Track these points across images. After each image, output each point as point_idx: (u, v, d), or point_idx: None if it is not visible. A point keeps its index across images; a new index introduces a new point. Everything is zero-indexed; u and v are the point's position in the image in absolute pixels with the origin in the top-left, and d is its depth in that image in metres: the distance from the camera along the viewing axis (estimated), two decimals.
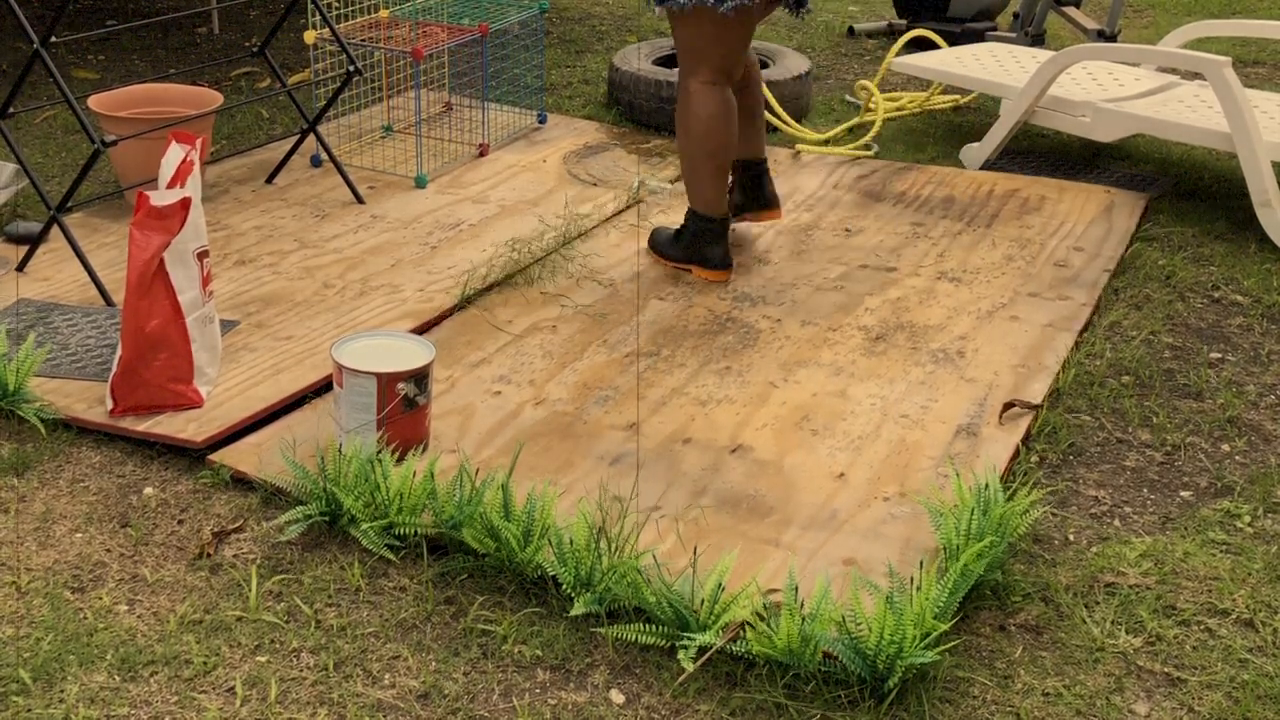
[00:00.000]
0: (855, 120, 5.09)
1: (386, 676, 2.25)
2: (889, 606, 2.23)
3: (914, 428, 2.99)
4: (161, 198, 2.85)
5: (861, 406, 3.08)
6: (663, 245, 3.82)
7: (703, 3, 3.41)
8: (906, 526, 2.64)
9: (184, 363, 2.91)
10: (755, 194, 3.92)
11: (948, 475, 2.79)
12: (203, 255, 2.95)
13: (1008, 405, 3.04)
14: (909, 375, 3.22)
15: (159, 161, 3.03)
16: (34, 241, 3.62)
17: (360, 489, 2.58)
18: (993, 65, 4.92)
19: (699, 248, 3.72)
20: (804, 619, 2.23)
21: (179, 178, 2.93)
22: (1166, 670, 2.32)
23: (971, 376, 3.22)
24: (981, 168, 4.64)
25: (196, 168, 2.97)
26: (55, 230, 3.59)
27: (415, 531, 2.54)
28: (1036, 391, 3.14)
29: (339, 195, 4.22)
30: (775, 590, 2.36)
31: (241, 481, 2.75)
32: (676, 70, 5.04)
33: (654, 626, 2.31)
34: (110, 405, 2.89)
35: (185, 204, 2.86)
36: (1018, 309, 3.57)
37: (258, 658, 2.28)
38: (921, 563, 2.50)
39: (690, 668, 2.23)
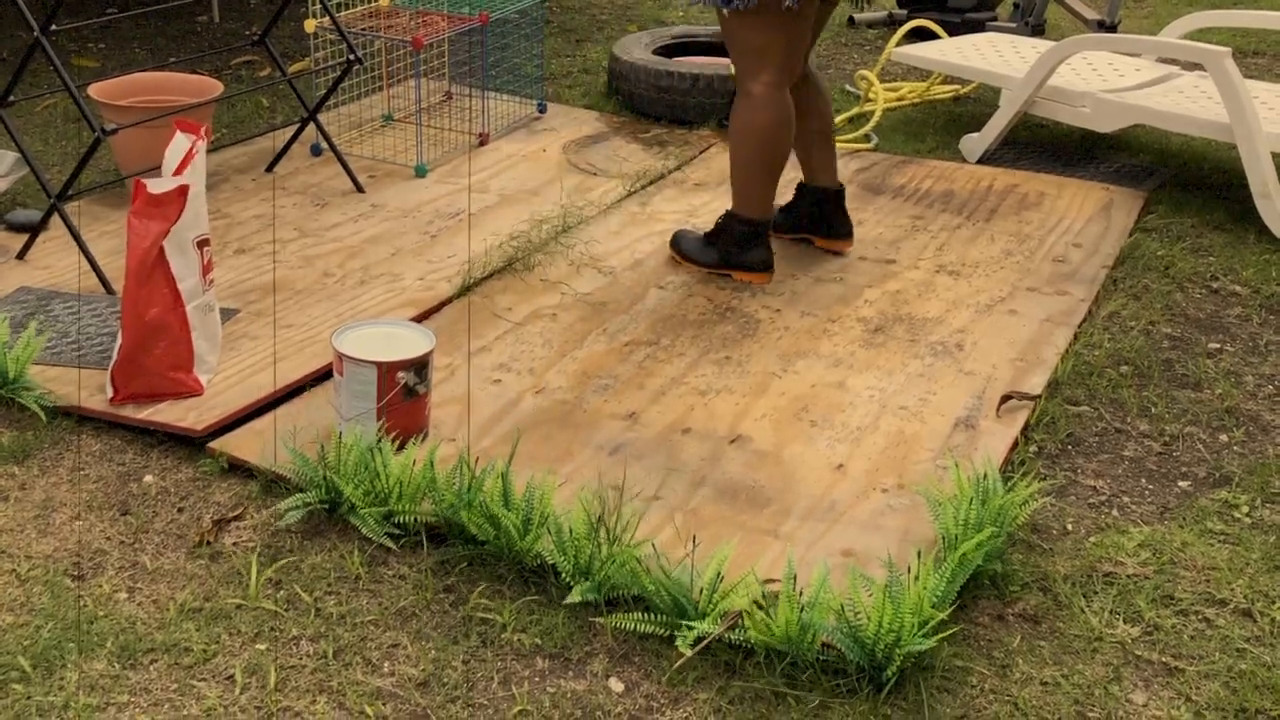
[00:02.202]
0: (855, 110, 5.09)
1: (386, 664, 2.26)
2: (887, 595, 2.23)
3: (912, 420, 3.00)
4: (159, 185, 2.85)
5: (860, 398, 3.08)
6: (693, 251, 3.73)
7: (764, 3, 3.32)
8: (905, 518, 2.64)
9: (184, 350, 2.91)
10: (832, 221, 3.84)
11: (946, 468, 2.79)
12: (203, 243, 2.95)
13: (1005, 398, 3.04)
14: (907, 367, 3.23)
15: (159, 150, 3.03)
16: (34, 230, 3.62)
17: (360, 477, 2.58)
18: (993, 55, 4.91)
19: (741, 251, 3.65)
20: (803, 607, 2.24)
21: (184, 167, 2.93)
22: (1164, 660, 2.32)
23: (970, 370, 3.22)
24: (981, 158, 4.64)
25: (199, 156, 2.97)
26: (56, 218, 3.59)
27: (415, 520, 2.54)
28: (1034, 386, 3.14)
29: (339, 184, 4.22)
30: (774, 580, 2.36)
31: (242, 469, 2.75)
32: (675, 60, 5.06)
33: (653, 615, 2.32)
34: (110, 393, 2.90)
35: (183, 191, 2.86)
36: (1016, 303, 3.57)
37: (257, 645, 2.29)
38: (919, 552, 2.50)
39: (687, 653, 2.23)
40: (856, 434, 2.94)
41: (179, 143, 2.97)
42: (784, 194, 4.05)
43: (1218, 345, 3.44)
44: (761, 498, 2.70)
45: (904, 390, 3.12)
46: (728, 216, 3.66)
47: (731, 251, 3.66)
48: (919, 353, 3.29)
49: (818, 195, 3.84)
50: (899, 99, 5.28)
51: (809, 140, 3.77)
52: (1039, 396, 3.09)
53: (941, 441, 2.91)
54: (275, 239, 3.80)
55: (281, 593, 2.42)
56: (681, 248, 3.76)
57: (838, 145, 4.70)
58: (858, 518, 2.64)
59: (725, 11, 3.40)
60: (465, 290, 3.53)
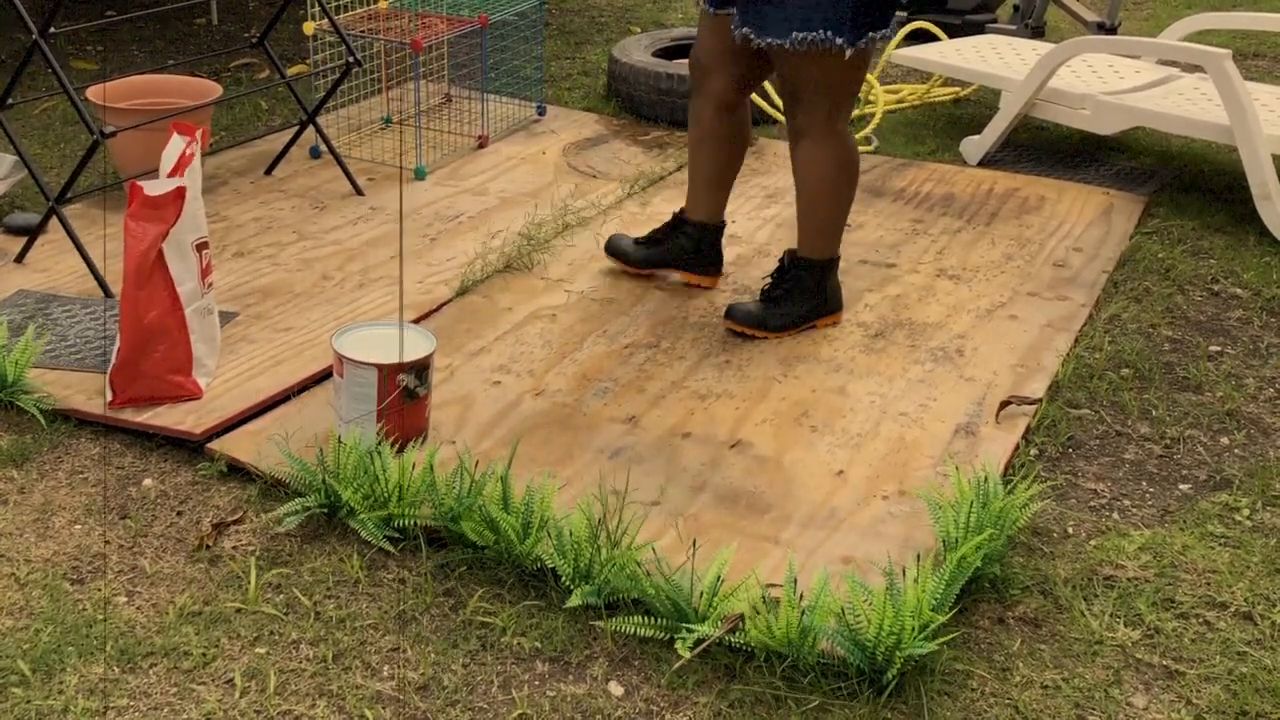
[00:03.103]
0: (855, 112, 5.09)
1: (385, 668, 2.25)
2: (888, 598, 2.23)
3: (913, 426, 2.99)
4: (155, 188, 2.84)
5: (861, 404, 3.08)
6: (762, 317, 3.34)
7: (874, 39, 3.12)
8: (905, 525, 2.64)
9: (183, 354, 2.91)
10: (710, 256, 3.60)
11: (947, 475, 2.79)
12: (202, 247, 2.95)
13: (1005, 403, 3.04)
14: (908, 373, 3.22)
15: (157, 152, 3.03)
16: (33, 233, 3.62)
17: (359, 480, 2.58)
18: (993, 58, 4.91)
19: (828, 294, 3.40)
20: (803, 611, 2.23)
21: (179, 169, 2.93)
22: (1165, 663, 2.32)
23: (970, 375, 3.22)
24: (981, 160, 4.64)
25: (196, 159, 2.96)
26: (54, 221, 3.59)
27: (414, 523, 2.54)
28: (1034, 392, 3.14)
29: (338, 187, 4.21)
30: (775, 585, 2.36)
31: (241, 473, 2.75)
32: (675, 62, 5.05)
33: (653, 619, 2.31)
34: (109, 397, 2.89)
35: (180, 193, 2.85)
36: (1016, 308, 3.57)
37: (257, 649, 2.29)
38: (919, 556, 2.50)
39: (687, 655, 2.23)
40: (857, 440, 2.93)
41: (174, 145, 2.97)
42: (641, 225, 3.94)
43: (1219, 348, 3.43)
44: (762, 504, 2.69)
45: (904, 396, 3.12)
46: (804, 267, 3.34)
47: (823, 299, 3.39)
48: (919, 358, 3.29)
49: (702, 229, 3.56)
50: (899, 101, 5.28)
51: (728, 173, 3.50)
52: (1039, 401, 3.09)
53: (942, 448, 2.91)
54: (273, 242, 3.80)
55: (281, 596, 2.41)
56: (751, 318, 3.35)
57: None
58: (858, 525, 2.63)
59: (849, 52, 3.08)
60: (464, 290, 3.53)
